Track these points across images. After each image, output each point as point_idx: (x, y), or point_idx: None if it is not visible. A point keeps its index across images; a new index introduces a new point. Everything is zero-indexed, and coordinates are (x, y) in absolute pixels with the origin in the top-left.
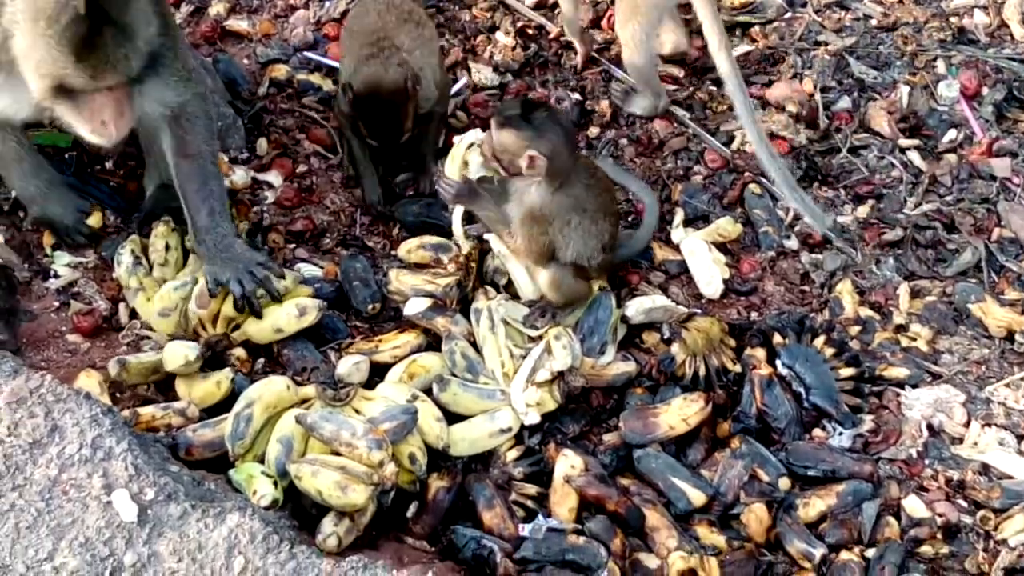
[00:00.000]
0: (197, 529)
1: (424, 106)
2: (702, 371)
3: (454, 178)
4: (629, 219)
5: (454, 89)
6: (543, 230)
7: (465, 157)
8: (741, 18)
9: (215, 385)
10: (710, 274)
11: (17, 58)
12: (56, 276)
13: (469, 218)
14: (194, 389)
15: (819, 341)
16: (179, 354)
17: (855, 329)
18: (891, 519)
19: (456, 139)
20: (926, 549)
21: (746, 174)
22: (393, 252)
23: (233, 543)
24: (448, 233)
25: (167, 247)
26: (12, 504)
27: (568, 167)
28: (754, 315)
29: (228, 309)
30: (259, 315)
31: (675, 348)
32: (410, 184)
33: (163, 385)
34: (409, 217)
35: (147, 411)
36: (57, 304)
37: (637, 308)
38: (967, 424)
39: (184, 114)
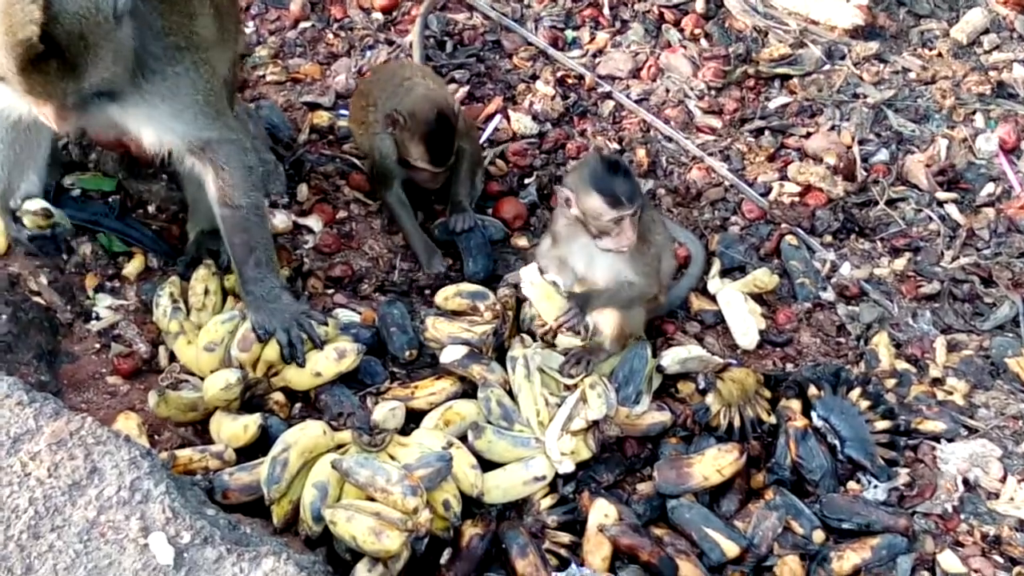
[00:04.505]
0: (232, 573)
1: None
2: (737, 422)
3: (562, 307)
4: None
5: (487, 132)
6: (655, 265)
7: (549, 281)
8: (780, 70)
9: (242, 428)
10: (746, 325)
11: None
12: (98, 318)
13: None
14: (223, 429)
15: (855, 393)
16: (221, 377)
17: (891, 382)
18: (926, 574)
19: (528, 277)
20: None
21: (783, 225)
22: (431, 299)
23: None
24: (487, 281)
25: (206, 291)
26: (51, 545)
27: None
28: (789, 366)
29: (269, 354)
30: (302, 365)
31: (710, 398)
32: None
33: (201, 428)
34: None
35: (184, 454)
36: (98, 346)
37: (672, 358)
38: (1003, 479)
39: (219, 159)
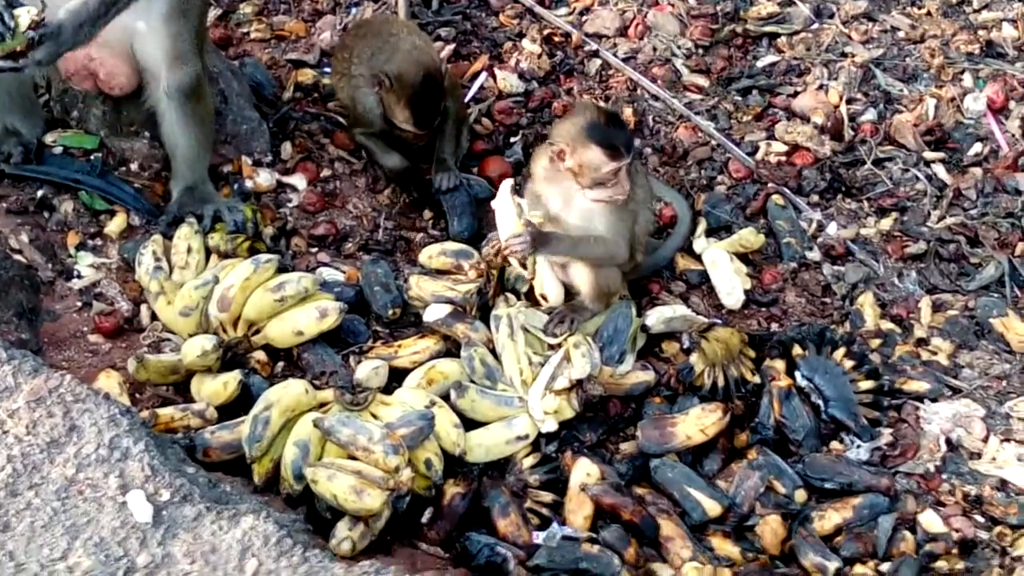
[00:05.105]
0: (211, 531)
1: None
2: (721, 381)
3: (516, 230)
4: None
5: (472, 90)
6: (630, 223)
7: (516, 202)
8: (768, 28)
9: (222, 385)
10: (731, 284)
11: None
12: (79, 276)
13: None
14: (203, 387)
15: (839, 353)
16: (196, 345)
17: (876, 342)
18: (907, 533)
19: (500, 195)
20: (941, 564)
21: (769, 185)
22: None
23: (247, 545)
24: (471, 240)
25: (189, 249)
26: (28, 503)
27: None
28: (774, 326)
29: (249, 312)
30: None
31: (694, 358)
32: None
33: (182, 388)
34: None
35: (166, 412)
36: (79, 304)
37: (657, 317)
38: (986, 439)
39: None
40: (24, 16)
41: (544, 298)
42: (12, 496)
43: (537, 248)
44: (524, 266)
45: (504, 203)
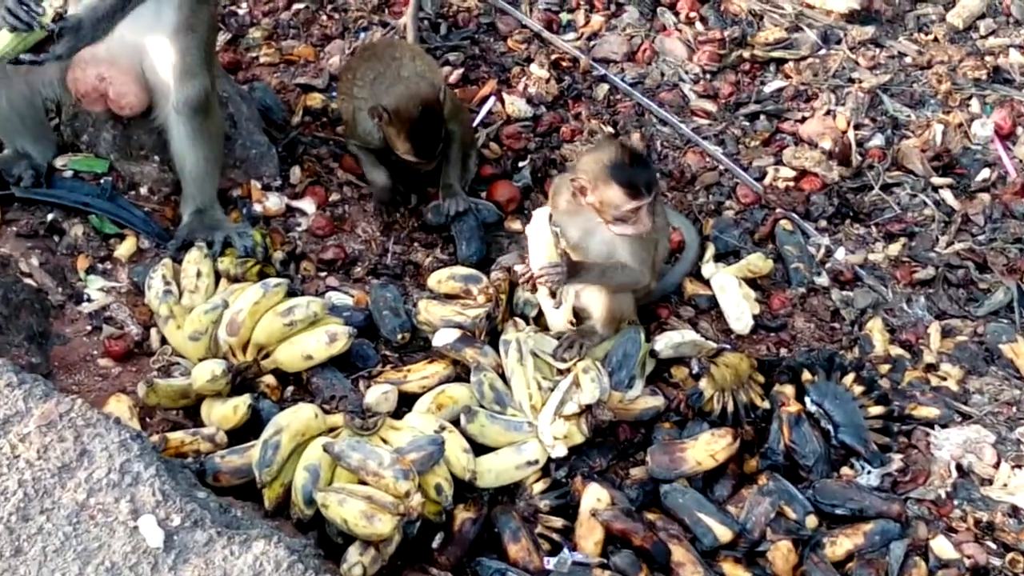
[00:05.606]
0: (223, 556)
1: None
2: (730, 407)
3: (551, 259)
4: None
5: (480, 115)
6: (651, 250)
7: (552, 231)
8: (775, 54)
9: (232, 410)
10: (740, 310)
11: None
12: (89, 300)
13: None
14: (213, 412)
15: (848, 379)
16: (206, 369)
17: (885, 367)
18: (919, 560)
19: (535, 223)
20: None
21: (778, 210)
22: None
23: (258, 571)
24: (480, 264)
25: (198, 273)
26: (40, 528)
27: None
28: (783, 351)
29: (258, 336)
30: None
31: (703, 383)
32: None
33: (192, 412)
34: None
35: (176, 436)
36: (89, 328)
37: (666, 343)
38: (997, 465)
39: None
40: (48, 9)
41: (572, 323)
42: (24, 521)
43: (570, 278)
44: (553, 295)
45: (539, 231)
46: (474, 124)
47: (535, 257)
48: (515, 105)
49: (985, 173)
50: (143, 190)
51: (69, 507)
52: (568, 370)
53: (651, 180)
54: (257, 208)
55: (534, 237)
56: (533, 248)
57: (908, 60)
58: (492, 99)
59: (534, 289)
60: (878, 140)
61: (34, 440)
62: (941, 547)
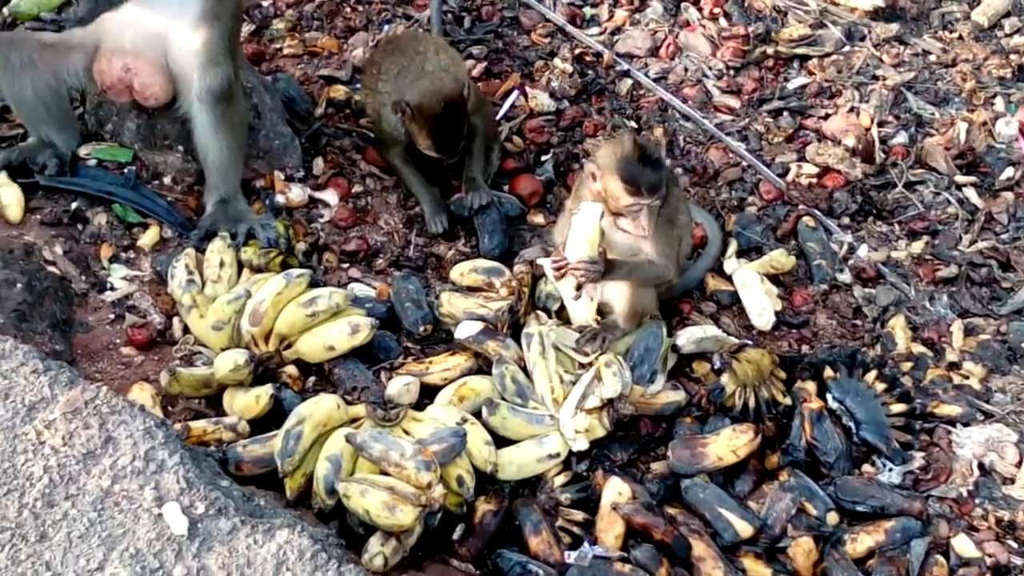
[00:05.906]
0: (246, 544)
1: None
2: (752, 403)
3: (591, 255)
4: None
5: (504, 109)
6: (675, 246)
7: (601, 228)
8: (799, 51)
9: (254, 399)
10: (762, 306)
11: None
12: (112, 288)
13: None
14: (235, 401)
15: (870, 376)
16: (229, 359)
17: (907, 365)
18: (940, 558)
19: (585, 215)
20: None
21: (800, 207)
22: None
23: (281, 560)
24: (503, 258)
25: (221, 263)
26: (65, 513)
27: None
28: (805, 348)
29: (281, 326)
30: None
31: (725, 379)
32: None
33: (214, 401)
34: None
35: (198, 425)
36: (112, 316)
37: (688, 338)
38: (1019, 464)
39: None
40: None
41: (597, 320)
42: (49, 507)
43: (605, 277)
44: (579, 287)
45: (586, 224)
46: (497, 118)
47: (573, 248)
48: (538, 99)
49: (1009, 172)
50: (167, 179)
51: (94, 493)
52: (590, 364)
53: (655, 183)
54: (280, 199)
55: (578, 228)
56: (574, 238)
57: (932, 58)
58: (515, 93)
59: (561, 276)
60: (902, 138)
61: (59, 427)
62: (962, 545)
